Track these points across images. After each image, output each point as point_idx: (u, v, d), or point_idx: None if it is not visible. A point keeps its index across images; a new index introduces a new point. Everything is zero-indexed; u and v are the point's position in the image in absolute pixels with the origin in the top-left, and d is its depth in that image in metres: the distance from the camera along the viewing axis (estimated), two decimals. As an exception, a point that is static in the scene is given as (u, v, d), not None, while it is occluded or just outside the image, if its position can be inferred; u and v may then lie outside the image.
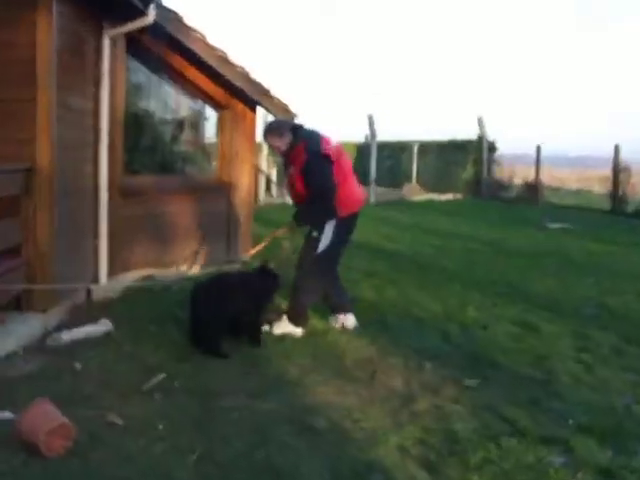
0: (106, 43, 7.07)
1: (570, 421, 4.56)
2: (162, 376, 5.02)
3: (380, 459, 3.97)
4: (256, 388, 4.93)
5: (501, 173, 22.97)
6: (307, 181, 6.00)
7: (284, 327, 6.20)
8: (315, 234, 6.15)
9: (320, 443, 4.13)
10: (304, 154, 5.98)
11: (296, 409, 4.61)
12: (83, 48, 6.77)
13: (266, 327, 6.14)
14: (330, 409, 4.64)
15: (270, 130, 6.28)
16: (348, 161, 6.39)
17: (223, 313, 5.65)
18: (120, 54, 7.50)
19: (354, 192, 6.32)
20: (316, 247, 6.13)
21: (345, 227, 6.25)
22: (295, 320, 6.22)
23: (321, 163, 5.99)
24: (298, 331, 6.20)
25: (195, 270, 7.30)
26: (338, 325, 6.46)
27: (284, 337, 6.10)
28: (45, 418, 3.87)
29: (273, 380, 5.13)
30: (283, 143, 6.14)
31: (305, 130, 6.23)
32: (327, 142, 6.15)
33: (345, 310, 6.55)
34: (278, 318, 6.29)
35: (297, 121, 9.81)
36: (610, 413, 4.72)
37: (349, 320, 6.51)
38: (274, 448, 4.03)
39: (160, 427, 4.23)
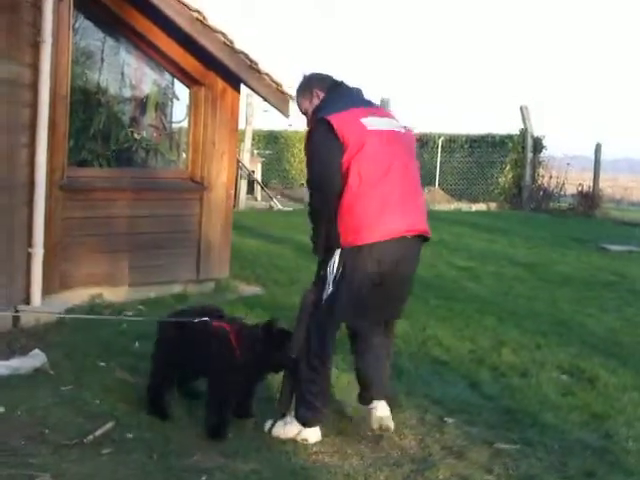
0: (49, -4, 7.06)
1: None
2: (110, 425, 5.00)
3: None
4: (232, 444, 4.92)
5: (549, 179, 22.99)
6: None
7: (289, 427, 5.11)
8: (322, 272, 5.12)
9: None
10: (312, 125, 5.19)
11: (283, 472, 4.58)
12: (18, 1, 6.76)
13: (267, 425, 5.18)
14: (326, 474, 4.62)
15: (300, 86, 5.37)
16: (384, 154, 4.97)
17: (172, 366, 5.35)
18: (66, 11, 7.51)
19: (373, 207, 4.86)
20: (321, 297, 5.05)
21: (353, 269, 4.92)
22: (299, 415, 5.09)
23: (319, 138, 4.97)
24: (309, 434, 5.06)
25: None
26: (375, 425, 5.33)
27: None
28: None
29: (254, 435, 5.11)
30: (312, 106, 5.24)
31: (340, 89, 5.25)
32: (352, 112, 4.98)
33: (379, 394, 5.42)
34: (284, 414, 5.21)
35: (283, 113, 9.58)
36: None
37: (380, 409, 5.37)
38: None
39: (107, 493, 4.21)
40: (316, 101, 5.16)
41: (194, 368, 5.34)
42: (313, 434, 5.04)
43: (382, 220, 4.86)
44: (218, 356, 5.08)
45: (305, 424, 5.04)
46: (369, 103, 5.25)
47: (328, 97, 5.11)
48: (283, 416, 5.15)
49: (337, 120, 4.84)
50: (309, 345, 5.02)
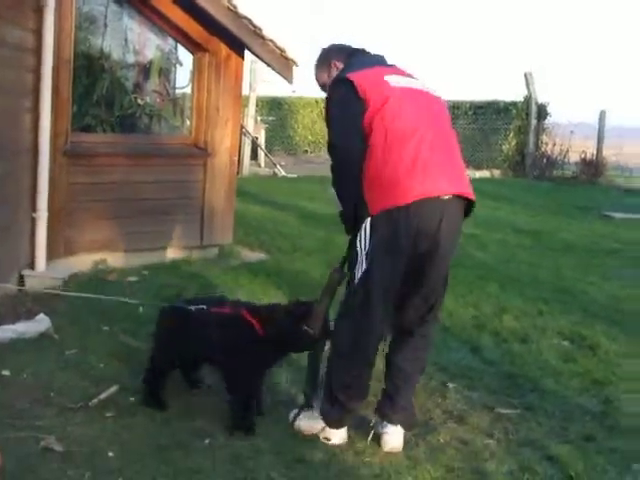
0: (52, -40, 7.05)
1: (634, 466, 4.59)
2: (114, 389, 5.04)
3: (390, 505, 4.00)
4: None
5: (553, 146, 22.93)
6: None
7: (313, 422, 4.66)
8: (353, 252, 4.51)
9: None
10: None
11: (286, 439, 4.62)
12: (23, -33, 6.75)
13: (291, 415, 4.79)
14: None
15: (318, 59, 4.96)
16: (412, 109, 4.45)
17: (171, 355, 4.97)
18: (70, -25, 7.48)
19: (404, 168, 4.28)
20: (354, 275, 4.48)
21: (390, 236, 4.31)
22: (324, 412, 4.62)
23: (338, 99, 4.52)
24: (332, 435, 4.60)
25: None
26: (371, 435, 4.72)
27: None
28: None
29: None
30: (330, 78, 4.81)
31: (362, 55, 4.84)
32: (374, 70, 4.57)
33: (385, 416, 4.72)
34: (310, 405, 4.80)
35: (287, 79, 9.43)
36: (685, 456, 4.75)
37: (388, 437, 4.65)
38: (255, 486, 4.06)
39: (110, 455, 4.24)
40: (334, 72, 4.74)
41: (204, 357, 4.96)
42: (337, 436, 4.59)
43: (414, 179, 4.25)
44: (236, 342, 4.66)
45: (330, 424, 4.60)
46: (394, 66, 4.72)
47: (348, 62, 4.70)
48: (309, 407, 4.75)
49: (358, 77, 4.39)
50: (351, 330, 4.46)
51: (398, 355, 4.68)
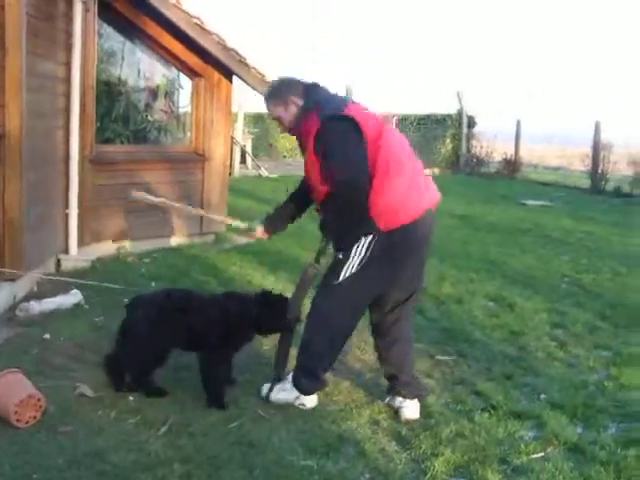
0: (78, 7, 7.03)
1: (542, 396, 4.69)
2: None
3: (352, 432, 4.05)
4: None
5: (480, 149, 23.02)
6: (324, 164, 4.07)
7: (287, 393, 4.39)
8: (340, 255, 4.21)
9: (293, 416, 4.20)
10: (315, 122, 4.11)
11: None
12: (54, 12, 6.71)
13: (263, 390, 4.46)
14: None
15: (270, 95, 4.36)
16: (398, 140, 4.23)
17: (153, 347, 4.35)
18: (92, 19, 7.46)
19: (403, 189, 4.08)
20: (337, 274, 4.20)
21: (394, 246, 4.12)
22: (300, 385, 4.37)
23: (340, 131, 4.04)
24: (306, 401, 4.37)
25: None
26: (393, 406, 4.44)
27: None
28: (15, 388, 3.89)
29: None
30: (289, 114, 4.27)
31: (322, 91, 4.30)
32: (356, 105, 4.25)
33: (403, 394, 4.41)
34: (279, 378, 4.48)
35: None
36: (582, 389, 4.84)
37: (406, 409, 4.36)
38: (248, 420, 4.10)
39: (131, 399, 4.27)
40: (293, 108, 4.22)
41: (184, 344, 4.44)
42: (311, 400, 4.38)
43: (412, 201, 4.10)
44: (211, 328, 4.31)
45: (306, 393, 4.36)
46: (348, 99, 4.46)
47: (316, 99, 4.18)
48: (278, 381, 4.44)
49: (353, 113, 4.07)
50: (330, 321, 4.26)
51: (389, 342, 4.46)
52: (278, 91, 4.31)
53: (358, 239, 4.09)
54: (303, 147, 4.29)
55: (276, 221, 4.71)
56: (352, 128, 4.01)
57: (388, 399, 4.49)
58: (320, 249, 4.43)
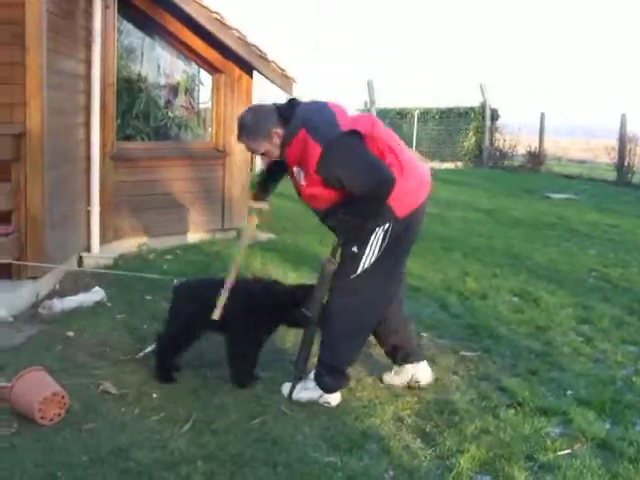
0: (97, 4, 7.07)
1: (569, 392, 4.65)
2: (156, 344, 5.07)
3: (376, 429, 4.03)
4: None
5: (504, 142, 22.91)
6: (346, 183, 4.03)
7: (310, 392, 4.35)
8: (355, 249, 4.17)
9: (316, 412, 4.19)
10: (313, 146, 3.98)
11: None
12: (74, 10, 6.75)
13: (284, 389, 4.43)
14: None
15: (246, 132, 4.18)
16: (387, 130, 4.28)
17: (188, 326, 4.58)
18: (112, 16, 7.50)
19: (412, 173, 4.19)
20: (354, 268, 4.17)
21: (406, 232, 4.22)
22: (323, 383, 4.33)
23: (349, 148, 4.00)
24: (331, 399, 4.33)
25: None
26: (403, 380, 4.61)
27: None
28: (39, 386, 3.92)
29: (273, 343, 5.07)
30: (273, 145, 4.15)
31: (299, 109, 4.15)
32: (341, 114, 4.16)
33: (415, 358, 4.63)
34: (301, 377, 4.43)
35: (288, 94, 9.11)
36: (609, 385, 4.79)
37: (422, 371, 4.63)
38: (271, 417, 4.10)
39: (155, 396, 4.29)
40: (277, 139, 4.10)
41: (213, 327, 4.53)
42: (336, 398, 4.34)
43: (418, 181, 4.22)
44: (238, 312, 4.42)
45: (330, 392, 4.33)
46: (325, 104, 4.29)
47: (299, 121, 4.06)
48: (299, 379, 4.39)
49: (348, 125, 4.04)
50: (352, 316, 4.23)
51: (392, 311, 4.50)
52: (257, 127, 4.13)
53: (374, 231, 4.12)
54: (294, 164, 4.17)
55: (267, 186, 4.73)
56: (356, 140, 4.01)
57: (393, 373, 4.64)
58: (336, 244, 4.34)
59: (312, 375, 4.40)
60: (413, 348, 4.63)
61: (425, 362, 4.62)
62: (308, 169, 4.06)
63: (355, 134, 4.00)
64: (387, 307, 4.41)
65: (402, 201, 4.09)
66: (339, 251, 4.32)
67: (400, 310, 4.59)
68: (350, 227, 4.13)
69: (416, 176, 4.20)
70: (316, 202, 4.26)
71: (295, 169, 4.19)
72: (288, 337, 5.22)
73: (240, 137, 4.21)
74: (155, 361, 4.62)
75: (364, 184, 3.98)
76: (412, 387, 4.59)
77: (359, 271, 4.15)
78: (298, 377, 4.40)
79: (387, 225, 4.10)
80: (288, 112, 4.12)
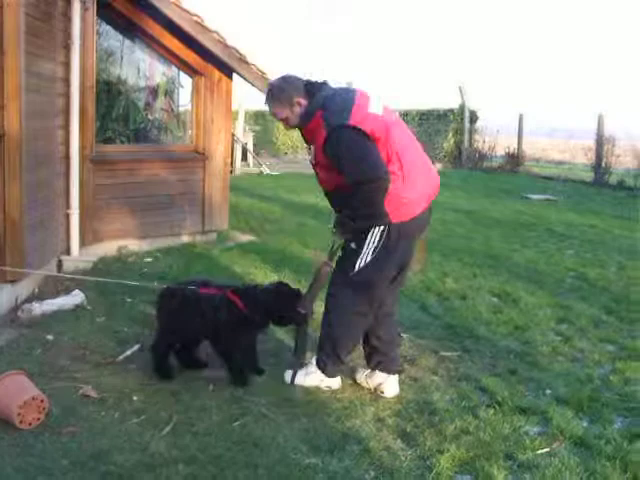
0: (76, 7, 7.03)
1: (547, 391, 4.68)
2: (137, 347, 5.07)
3: (356, 430, 4.05)
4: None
5: (483, 143, 23.01)
6: (339, 170, 4.23)
7: (312, 378, 4.62)
8: (353, 245, 4.39)
9: (297, 414, 4.20)
10: (322, 129, 4.20)
11: (274, 385, 4.64)
12: (52, 12, 6.71)
13: (287, 376, 4.69)
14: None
15: (272, 95, 4.40)
16: (405, 134, 4.39)
17: (171, 333, 4.68)
18: (91, 18, 7.46)
19: (414, 187, 4.29)
20: (352, 264, 4.40)
21: (400, 237, 4.34)
22: (326, 369, 4.61)
23: (348, 139, 4.13)
24: (332, 382, 4.63)
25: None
26: (370, 385, 4.67)
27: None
28: (18, 390, 3.90)
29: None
30: (294, 114, 4.36)
31: (325, 90, 4.33)
32: (360, 107, 4.20)
33: (388, 369, 4.67)
34: (302, 364, 4.70)
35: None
36: (587, 384, 4.84)
37: (390, 384, 4.64)
38: (251, 419, 4.10)
39: (135, 399, 4.28)
40: (298, 109, 4.31)
41: (199, 333, 4.68)
42: (336, 382, 4.63)
43: (422, 191, 4.34)
44: (223, 319, 4.50)
45: (330, 376, 4.61)
46: (353, 91, 4.38)
47: (320, 101, 4.25)
48: (301, 366, 4.65)
49: (358, 120, 4.12)
50: (350, 309, 4.45)
51: (381, 316, 4.63)
52: (282, 92, 4.34)
53: (370, 228, 4.29)
54: (309, 142, 4.41)
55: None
56: (355, 134, 4.12)
57: (364, 375, 4.71)
58: (331, 248, 4.49)
59: (314, 361, 4.63)
60: (390, 359, 4.67)
61: (396, 377, 4.66)
62: (317, 150, 4.29)
63: (357, 130, 4.10)
64: (379, 302, 4.55)
65: (398, 209, 4.24)
66: (335, 255, 4.50)
67: (390, 319, 4.72)
68: (341, 217, 4.36)
69: (418, 190, 4.31)
70: (324, 182, 4.46)
71: (312, 147, 4.38)
72: (273, 336, 5.20)
73: (266, 99, 4.43)
74: (153, 361, 4.67)
75: (353, 175, 4.14)
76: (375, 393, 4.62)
77: (356, 269, 4.36)
78: (299, 364, 4.65)
79: (383, 227, 4.27)
80: (314, 89, 4.33)
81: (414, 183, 4.27)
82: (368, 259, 4.33)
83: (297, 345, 4.73)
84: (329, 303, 4.55)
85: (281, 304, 4.53)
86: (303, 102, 4.30)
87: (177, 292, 4.68)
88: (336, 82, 4.54)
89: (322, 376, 4.60)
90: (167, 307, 4.68)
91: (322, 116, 4.20)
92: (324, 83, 4.41)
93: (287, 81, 4.40)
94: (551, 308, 6.62)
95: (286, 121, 4.42)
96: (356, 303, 4.44)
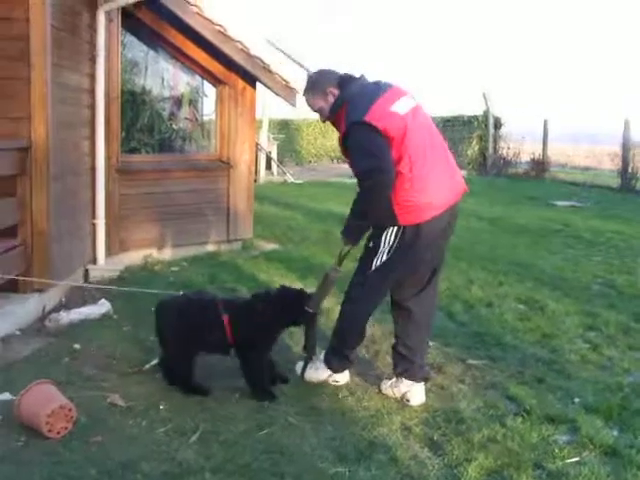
0: (101, 18, 7.09)
1: (576, 400, 4.63)
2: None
3: (383, 438, 4.03)
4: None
5: (507, 150, 22.92)
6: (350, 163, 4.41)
7: (320, 372, 4.78)
8: (370, 244, 4.48)
9: (323, 422, 4.19)
10: (343, 122, 4.35)
11: (300, 393, 4.62)
12: (78, 24, 6.77)
13: (297, 368, 4.89)
14: (333, 388, 4.71)
15: (309, 88, 4.56)
16: (429, 138, 4.41)
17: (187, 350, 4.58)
18: (116, 30, 7.53)
19: (425, 191, 4.28)
20: (370, 263, 4.47)
21: (420, 239, 4.34)
22: (331, 364, 4.76)
23: (360, 136, 4.21)
24: (339, 378, 4.77)
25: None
26: (396, 394, 4.61)
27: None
28: (46, 399, 3.92)
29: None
30: (328, 104, 4.48)
31: (355, 84, 4.43)
32: (382, 104, 4.25)
33: (414, 377, 4.62)
34: (312, 358, 4.84)
35: (291, 105, 9.36)
36: (617, 392, 4.78)
37: (416, 392, 4.59)
38: (278, 428, 4.09)
39: (162, 408, 4.28)
40: (331, 99, 4.41)
41: (210, 346, 4.66)
42: (343, 377, 4.77)
43: (435, 197, 4.29)
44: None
45: (337, 371, 4.75)
46: (385, 86, 4.42)
47: (348, 94, 4.35)
48: (311, 360, 4.80)
49: (373, 118, 4.15)
50: (358, 306, 4.58)
51: (406, 316, 4.63)
52: (317, 83, 4.52)
53: (385, 228, 4.35)
54: (339, 131, 4.46)
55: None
56: (369, 131, 4.17)
57: (390, 384, 4.67)
58: (341, 253, 4.62)
59: (322, 357, 4.79)
60: (417, 366, 4.62)
61: (422, 385, 4.62)
62: (341, 138, 4.40)
63: (369, 126, 4.16)
64: (379, 303, 4.70)
65: (408, 212, 4.28)
66: (344, 260, 4.64)
67: (419, 327, 4.64)
68: (346, 221, 4.50)
69: (430, 194, 4.28)
70: (351, 167, 4.46)
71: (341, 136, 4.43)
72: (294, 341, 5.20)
73: (304, 91, 4.62)
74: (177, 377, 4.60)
75: (354, 169, 4.31)
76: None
77: (373, 267, 4.43)
78: (309, 358, 4.81)
79: (397, 228, 4.32)
80: (347, 81, 4.44)
81: (425, 187, 4.26)
82: (384, 258, 4.40)
83: (306, 340, 4.88)
84: (345, 303, 4.67)
85: (289, 310, 4.57)
86: (335, 92, 4.43)
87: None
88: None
89: (329, 372, 4.76)
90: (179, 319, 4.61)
91: (346, 109, 4.33)
92: (358, 77, 4.50)
93: (322, 73, 4.60)
94: (578, 315, 6.57)
95: (321, 112, 4.54)
96: (364, 301, 4.58)
